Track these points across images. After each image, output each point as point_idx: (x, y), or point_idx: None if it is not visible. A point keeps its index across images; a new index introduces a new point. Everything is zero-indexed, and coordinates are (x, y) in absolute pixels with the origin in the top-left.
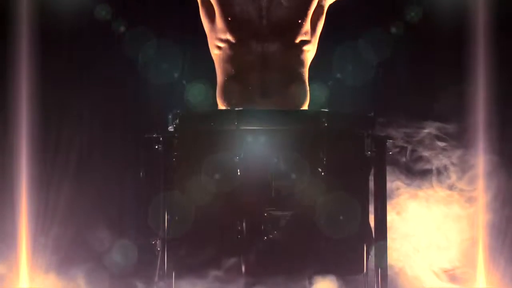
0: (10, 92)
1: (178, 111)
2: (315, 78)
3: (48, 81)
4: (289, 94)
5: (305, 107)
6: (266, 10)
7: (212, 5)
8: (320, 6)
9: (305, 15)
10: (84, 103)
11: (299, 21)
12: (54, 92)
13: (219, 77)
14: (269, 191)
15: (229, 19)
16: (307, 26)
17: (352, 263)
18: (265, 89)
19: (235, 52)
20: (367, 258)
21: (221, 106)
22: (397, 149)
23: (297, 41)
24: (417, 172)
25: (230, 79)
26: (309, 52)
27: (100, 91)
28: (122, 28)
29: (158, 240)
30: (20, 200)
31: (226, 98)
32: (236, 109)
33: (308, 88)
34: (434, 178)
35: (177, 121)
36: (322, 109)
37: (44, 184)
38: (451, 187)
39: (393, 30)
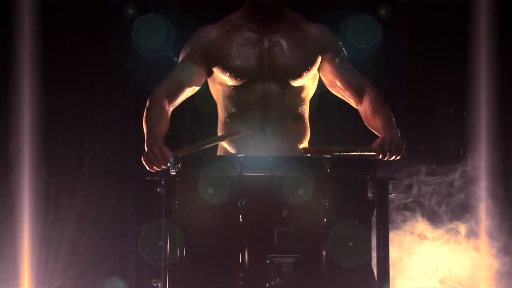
0: (11, 143)
1: (180, 155)
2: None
3: (49, 131)
4: (289, 131)
5: (306, 143)
6: (267, 56)
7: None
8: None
9: (307, 65)
10: (85, 149)
11: (301, 70)
12: (56, 138)
13: (220, 113)
14: (271, 237)
15: (230, 72)
16: (308, 65)
17: None
18: (265, 126)
19: (236, 92)
20: None
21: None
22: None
23: (298, 80)
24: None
25: (230, 116)
26: (310, 89)
27: (101, 130)
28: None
29: (160, 283)
30: (23, 248)
31: None
32: (239, 155)
33: (308, 125)
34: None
35: (179, 165)
36: (325, 156)
37: (46, 232)
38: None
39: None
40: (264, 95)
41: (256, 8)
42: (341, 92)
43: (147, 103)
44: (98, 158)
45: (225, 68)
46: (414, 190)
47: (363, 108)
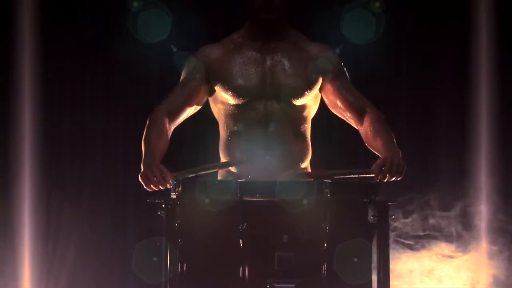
0: (11, 171)
1: (181, 179)
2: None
3: (49, 156)
4: (291, 150)
5: (307, 162)
6: (269, 75)
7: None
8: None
9: (308, 85)
10: (85, 173)
11: (302, 89)
12: (56, 165)
13: (221, 132)
14: (272, 262)
15: (232, 91)
16: (309, 84)
17: None
18: (267, 145)
19: (238, 110)
20: None
21: (223, 160)
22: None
23: (300, 99)
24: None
25: (232, 134)
26: (312, 108)
27: (101, 152)
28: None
29: None
30: (23, 274)
31: (228, 154)
32: (239, 180)
33: (310, 144)
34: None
35: (180, 189)
36: (326, 180)
37: (46, 256)
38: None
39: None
40: (266, 113)
41: (257, 26)
42: (342, 112)
43: (147, 122)
44: (98, 181)
45: (227, 87)
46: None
47: (364, 129)
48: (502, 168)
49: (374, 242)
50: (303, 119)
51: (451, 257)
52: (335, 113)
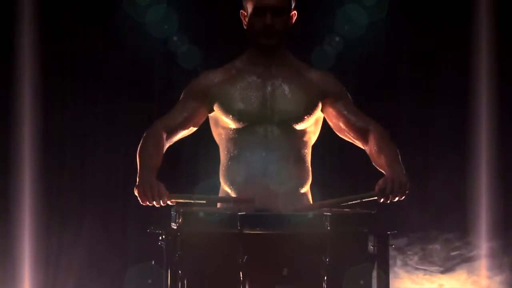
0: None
1: (182, 210)
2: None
3: (49, 193)
4: (291, 175)
5: (307, 187)
6: (270, 100)
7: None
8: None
9: (308, 110)
10: (86, 208)
11: (302, 114)
12: (56, 201)
13: (222, 156)
14: None
15: (232, 115)
16: (310, 110)
17: None
18: (267, 170)
19: (239, 135)
20: None
21: (224, 185)
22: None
23: (301, 124)
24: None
25: (232, 159)
26: (312, 133)
27: (101, 180)
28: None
29: None
30: None
31: (229, 179)
32: (239, 213)
33: (310, 169)
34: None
35: (180, 220)
36: (325, 213)
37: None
38: None
39: None
40: (267, 138)
41: (258, 52)
42: (347, 134)
43: (144, 134)
44: (99, 211)
45: (228, 111)
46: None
47: (369, 147)
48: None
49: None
50: (303, 145)
51: None
52: (342, 137)
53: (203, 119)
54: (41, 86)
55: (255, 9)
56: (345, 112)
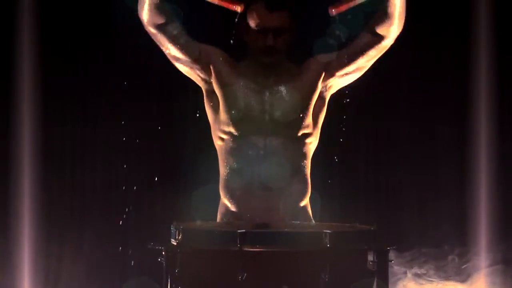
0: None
1: (181, 226)
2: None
3: (48, 208)
4: (290, 188)
5: (307, 199)
6: (269, 105)
7: (216, 95)
8: (321, 98)
9: (307, 109)
10: (86, 224)
11: (301, 116)
12: (56, 216)
13: (221, 169)
14: None
15: (233, 112)
16: (309, 119)
17: None
18: (266, 183)
19: (237, 145)
20: None
21: (223, 197)
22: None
23: (299, 135)
24: None
25: (232, 172)
26: (311, 144)
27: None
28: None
29: None
30: None
31: (228, 192)
32: (239, 231)
33: (309, 181)
34: None
35: (180, 237)
36: (325, 230)
37: None
38: None
39: None
40: (266, 151)
41: (257, 65)
42: (367, 55)
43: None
44: (98, 226)
45: (230, 106)
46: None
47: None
48: None
49: None
50: (302, 156)
51: None
52: (363, 71)
53: (197, 67)
54: (41, 99)
55: (256, 28)
56: (343, 54)
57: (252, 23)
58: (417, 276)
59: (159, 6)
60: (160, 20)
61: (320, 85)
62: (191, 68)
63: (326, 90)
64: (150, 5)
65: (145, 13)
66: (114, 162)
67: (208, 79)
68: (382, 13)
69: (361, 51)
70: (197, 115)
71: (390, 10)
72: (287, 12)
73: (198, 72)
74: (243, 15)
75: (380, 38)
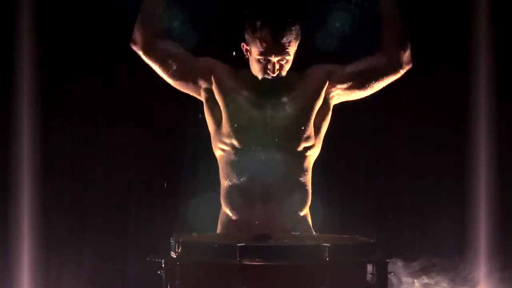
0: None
1: (181, 239)
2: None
3: (48, 221)
4: (290, 198)
5: (306, 209)
6: (270, 118)
7: (218, 105)
8: (325, 105)
9: (309, 120)
10: (86, 237)
11: (303, 128)
12: (56, 229)
13: (222, 179)
14: None
15: (236, 125)
16: (311, 131)
17: None
18: (266, 196)
19: (238, 158)
20: None
21: (224, 208)
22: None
23: (301, 148)
24: None
25: (232, 184)
26: (312, 156)
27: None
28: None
29: None
30: None
31: (229, 203)
32: (239, 244)
33: (310, 190)
34: None
35: (179, 250)
36: (324, 244)
37: None
38: None
39: None
40: (267, 164)
41: (258, 82)
42: (372, 77)
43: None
44: (98, 239)
45: (232, 118)
46: None
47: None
48: None
49: None
50: (303, 169)
51: None
52: (373, 89)
53: (190, 83)
54: (40, 110)
55: (260, 57)
56: (347, 71)
57: (255, 52)
58: (425, 286)
59: (155, 28)
60: (156, 40)
61: (323, 93)
62: (192, 77)
63: (330, 99)
64: (145, 26)
65: (141, 39)
66: (114, 174)
67: (209, 87)
68: (384, 37)
69: (367, 72)
70: (197, 129)
71: (389, 32)
72: (293, 35)
73: (199, 80)
74: (244, 26)
75: (388, 65)
